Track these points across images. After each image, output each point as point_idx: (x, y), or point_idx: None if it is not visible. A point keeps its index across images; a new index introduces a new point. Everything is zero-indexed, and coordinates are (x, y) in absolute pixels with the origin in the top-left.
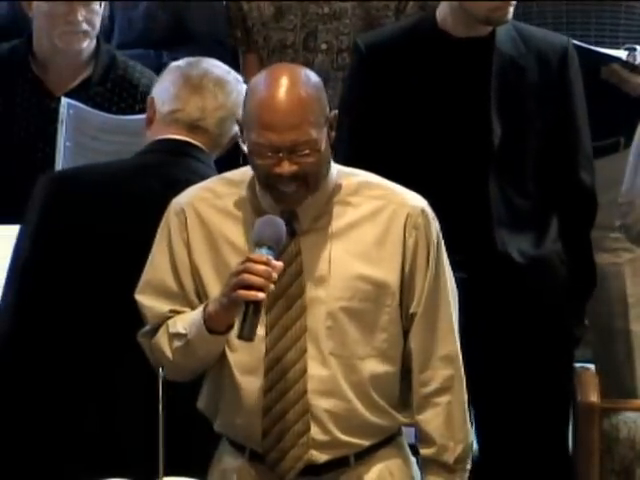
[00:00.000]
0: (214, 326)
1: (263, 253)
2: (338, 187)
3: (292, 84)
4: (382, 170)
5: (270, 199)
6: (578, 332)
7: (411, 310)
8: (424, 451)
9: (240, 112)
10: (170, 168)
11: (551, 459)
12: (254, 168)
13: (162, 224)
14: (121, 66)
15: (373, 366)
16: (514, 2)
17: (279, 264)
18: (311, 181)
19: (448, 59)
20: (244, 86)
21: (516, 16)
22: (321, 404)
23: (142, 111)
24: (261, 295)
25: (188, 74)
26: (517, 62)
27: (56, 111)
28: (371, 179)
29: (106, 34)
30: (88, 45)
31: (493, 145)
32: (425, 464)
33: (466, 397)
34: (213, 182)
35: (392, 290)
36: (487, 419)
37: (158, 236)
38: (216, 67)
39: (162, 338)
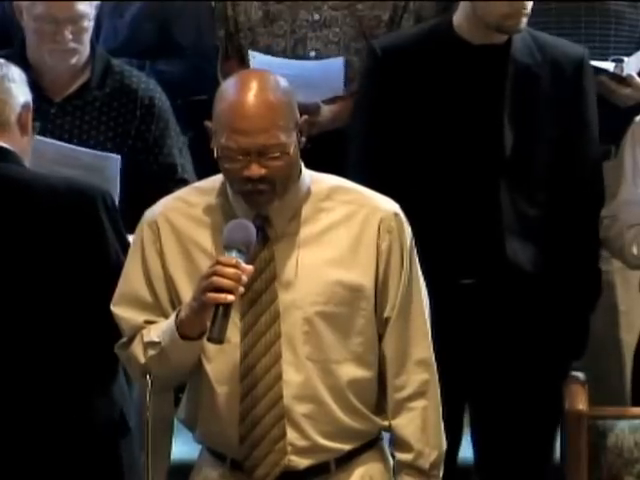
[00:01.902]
0: (186, 332)
1: (233, 256)
2: (310, 192)
3: (261, 88)
4: (395, 175)
5: (243, 204)
6: (583, 343)
7: (385, 314)
8: (400, 456)
9: (7, 84)
10: None
11: (546, 467)
12: (224, 172)
13: (135, 236)
14: (117, 70)
15: (350, 370)
16: (527, 11)
17: (249, 267)
18: (280, 185)
19: (463, 65)
20: (4, 63)
21: None
22: (299, 409)
23: (144, 116)
24: (230, 297)
25: None
26: (532, 71)
27: (55, 117)
28: (343, 184)
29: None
30: (78, 59)
31: (505, 153)
32: (400, 468)
33: (440, 402)
34: (185, 192)
35: (367, 294)
36: (489, 425)
37: (131, 248)
38: None
39: (137, 348)
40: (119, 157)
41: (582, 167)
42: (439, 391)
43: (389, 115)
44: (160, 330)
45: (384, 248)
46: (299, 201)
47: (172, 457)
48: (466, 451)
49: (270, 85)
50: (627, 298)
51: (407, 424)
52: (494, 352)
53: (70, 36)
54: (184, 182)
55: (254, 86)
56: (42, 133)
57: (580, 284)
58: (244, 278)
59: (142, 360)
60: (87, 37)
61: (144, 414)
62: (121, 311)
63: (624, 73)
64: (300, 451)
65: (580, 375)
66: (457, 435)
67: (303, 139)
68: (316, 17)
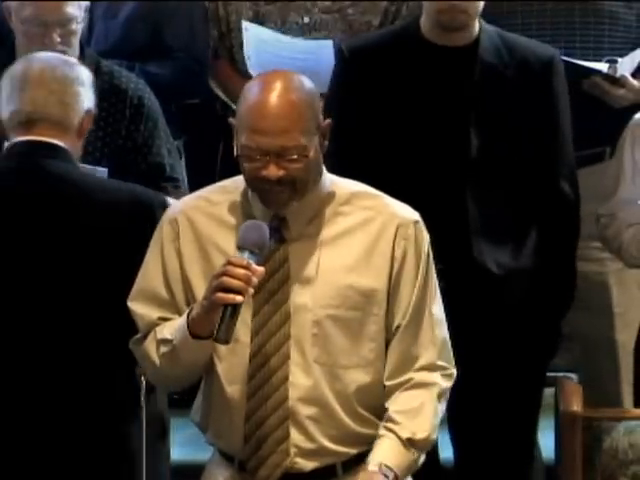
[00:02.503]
0: (197, 330)
1: (245, 257)
2: (330, 196)
3: (284, 89)
4: (362, 175)
5: (261, 204)
6: (555, 344)
7: (396, 322)
8: (383, 425)
9: (77, 88)
10: (20, 174)
11: (521, 467)
12: (243, 171)
13: (156, 232)
14: (106, 71)
15: (358, 377)
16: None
17: (260, 269)
18: (298, 187)
19: (430, 66)
20: (75, 65)
21: (501, 28)
22: (304, 411)
23: (133, 116)
24: (239, 298)
25: (13, 75)
26: (500, 71)
27: None
28: (364, 189)
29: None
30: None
31: (470, 154)
32: (380, 435)
33: (441, 409)
34: (208, 190)
35: (379, 300)
36: (462, 429)
37: (151, 244)
38: (37, 58)
39: (150, 345)
40: (106, 170)
41: (553, 167)
42: (444, 399)
43: (356, 116)
44: (173, 328)
45: (399, 255)
46: (318, 204)
47: (172, 457)
48: (445, 451)
49: (294, 86)
50: (622, 299)
51: (401, 402)
52: (465, 353)
53: (58, 39)
54: (173, 180)
55: (277, 86)
56: None
57: (552, 285)
58: (254, 280)
59: (155, 357)
60: (76, 40)
61: (140, 414)
62: (137, 307)
63: (617, 74)
64: (306, 453)
65: (574, 376)
66: None
67: (326, 143)
68: (306, 20)
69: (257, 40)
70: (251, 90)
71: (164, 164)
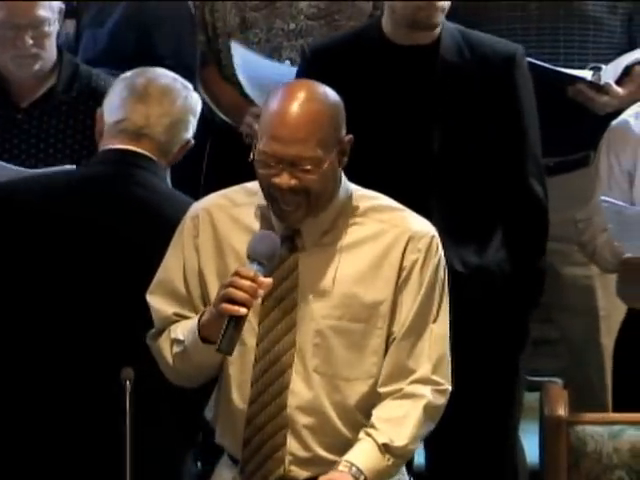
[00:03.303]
0: (206, 335)
1: (253, 268)
2: (347, 207)
3: (307, 100)
4: None
5: None
6: (522, 341)
7: (394, 333)
8: (363, 430)
9: (189, 117)
10: (115, 180)
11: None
12: (258, 177)
13: (179, 227)
14: (85, 74)
15: (360, 389)
16: (440, 5)
17: (267, 281)
18: (312, 199)
19: (391, 66)
20: (192, 92)
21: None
22: (301, 420)
23: None
24: (243, 311)
25: (132, 83)
26: (461, 69)
27: (22, 122)
28: (385, 203)
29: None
30: (42, 65)
31: (433, 152)
32: (358, 439)
33: (427, 423)
34: (233, 190)
35: (383, 313)
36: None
37: (174, 238)
38: (162, 76)
39: (164, 343)
40: (74, 167)
41: (519, 163)
42: (433, 413)
43: None
44: (186, 329)
45: (407, 265)
46: (334, 216)
47: None
48: (419, 457)
49: (317, 97)
50: (607, 303)
51: (383, 412)
52: None
53: (31, 41)
54: None
55: (301, 96)
56: (9, 139)
57: (519, 283)
58: (260, 292)
59: (168, 356)
60: (49, 42)
61: (130, 416)
62: (155, 301)
63: (602, 81)
64: (301, 462)
65: (559, 381)
66: None
67: (345, 159)
68: (292, 26)
69: (244, 61)
70: (275, 96)
71: None
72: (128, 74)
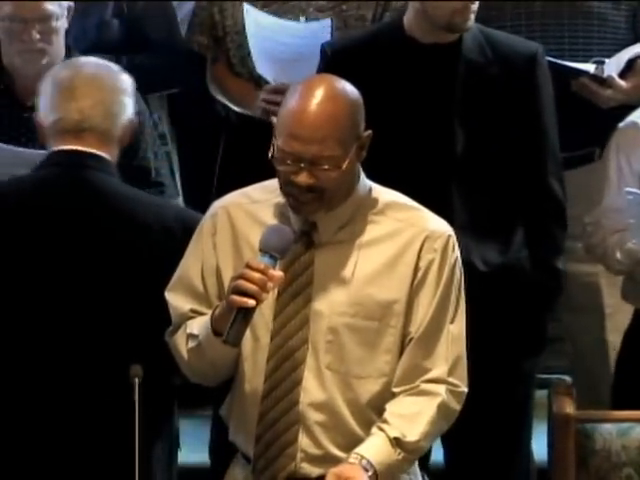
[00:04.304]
0: (218, 328)
1: (264, 261)
2: (365, 204)
3: (326, 97)
4: None
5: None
6: (541, 342)
7: (411, 333)
8: (376, 425)
9: (123, 98)
10: (66, 185)
11: (512, 467)
12: (276, 173)
13: (199, 225)
14: None
15: (373, 387)
16: (475, 7)
17: (278, 274)
18: (326, 197)
19: (413, 64)
20: (122, 74)
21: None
22: (313, 417)
23: None
24: (251, 302)
25: (58, 80)
26: (483, 68)
27: (28, 120)
28: (401, 200)
29: None
30: (51, 62)
31: (455, 151)
32: (370, 434)
33: (441, 421)
34: (252, 188)
35: (397, 311)
36: (456, 427)
37: (194, 236)
38: (85, 65)
39: (180, 338)
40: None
41: (539, 162)
42: (447, 413)
43: None
44: (200, 324)
45: (423, 265)
46: (351, 211)
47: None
48: (437, 454)
49: (336, 95)
50: (612, 300)
51: (398, 405)
52: None
53: (37, 36)
54: (158, 185)
55: (320, 94)
56: (15, 137)
57: (539, 282)
58: (270, 285)
59: (184, 351)
60: (57, 38)
61: (140, 412)
62: (173, 298)
63: (605, 74)
64: (312, 459)
65: (567, 378)
66: None
67: (364, 154)
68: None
69: (256, 26)
70: (294, 94)
71: (149, 168)
72: (52, 71)
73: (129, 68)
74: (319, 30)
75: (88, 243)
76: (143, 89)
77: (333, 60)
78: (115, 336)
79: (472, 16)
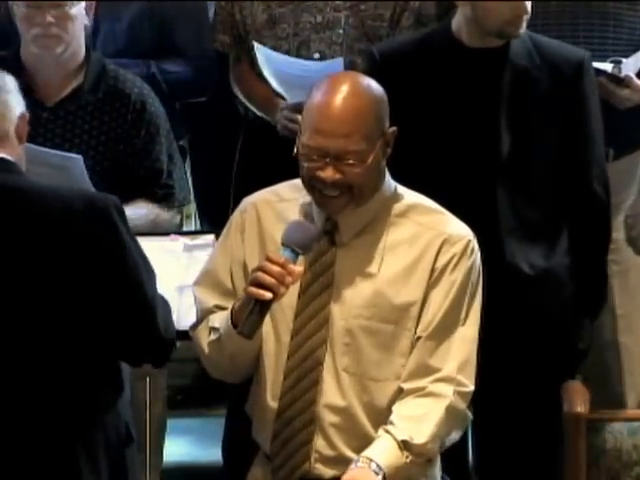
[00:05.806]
0: (237, 321)
1: (285, 255)
2: (388, 206)
3: (351, 93)
4: (393, 177)
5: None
6: (583, 347)
7: (419, 332)
8: (383, 427)
9: (5, 96)
10: None
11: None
12: (300, 170)
13: (229, 220)
14: (111, 75)
15: (389, 390)
16: (528, 16)
17: (298, 269)
18: (356, 192)
19: (461, 69)
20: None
21: None
22: (329, 418)
23: (134, 121)
24: (268, 295)
25: None
26: (530, 73)
27: (47, 121)
28: (424, 203)
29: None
30: (67, 51)
31: (501, 155)
32: (377, 437)
33: (449, 423)
34: (282, 185)
35: (414, 315)
36: (485, 431)
37: (224, 231)
38: None
39: (202, 332)
40: (81, 157)
41: (584, 169)
42: (456, 416)
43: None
44: (222, 317)
45: (439, 267)
46: (373, 212)
47: (171, 458)
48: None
49: (361, 90)
50: (625, 301)
51: (406, 407)
52: (495, 355)
53: (52, 19)
54: (166, 187)
55: (345, 89)
56: (34, 138)
57: (583, 288)
58: (288, 279)
59: (204, 344)
60: (72, 27)
61: (142, 414)
62: (199, 292)
63: (622, 74)
64: (326, 460)
65: (579, 378)
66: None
67: (389, 150)
68: (319, 19)
69: (267, 61)
70: (319, 89)
71: (162, 170)
72: None
73: (159, 74)
74: (330, 68)
75: (2, 244)
76: (174, 96)
77: (381, 64)
78: (35, 333)
79: (524, 24)
